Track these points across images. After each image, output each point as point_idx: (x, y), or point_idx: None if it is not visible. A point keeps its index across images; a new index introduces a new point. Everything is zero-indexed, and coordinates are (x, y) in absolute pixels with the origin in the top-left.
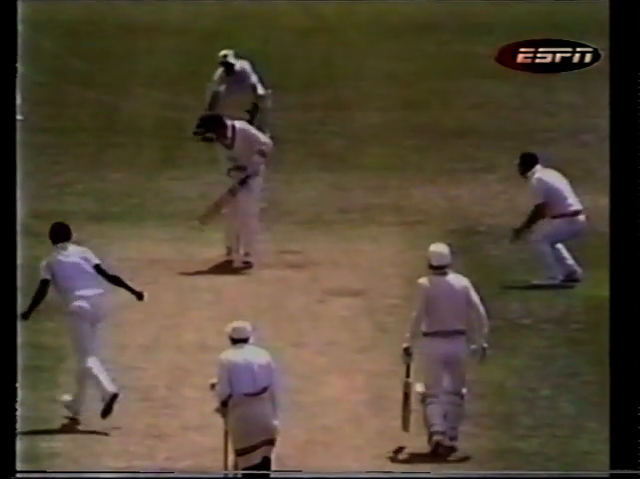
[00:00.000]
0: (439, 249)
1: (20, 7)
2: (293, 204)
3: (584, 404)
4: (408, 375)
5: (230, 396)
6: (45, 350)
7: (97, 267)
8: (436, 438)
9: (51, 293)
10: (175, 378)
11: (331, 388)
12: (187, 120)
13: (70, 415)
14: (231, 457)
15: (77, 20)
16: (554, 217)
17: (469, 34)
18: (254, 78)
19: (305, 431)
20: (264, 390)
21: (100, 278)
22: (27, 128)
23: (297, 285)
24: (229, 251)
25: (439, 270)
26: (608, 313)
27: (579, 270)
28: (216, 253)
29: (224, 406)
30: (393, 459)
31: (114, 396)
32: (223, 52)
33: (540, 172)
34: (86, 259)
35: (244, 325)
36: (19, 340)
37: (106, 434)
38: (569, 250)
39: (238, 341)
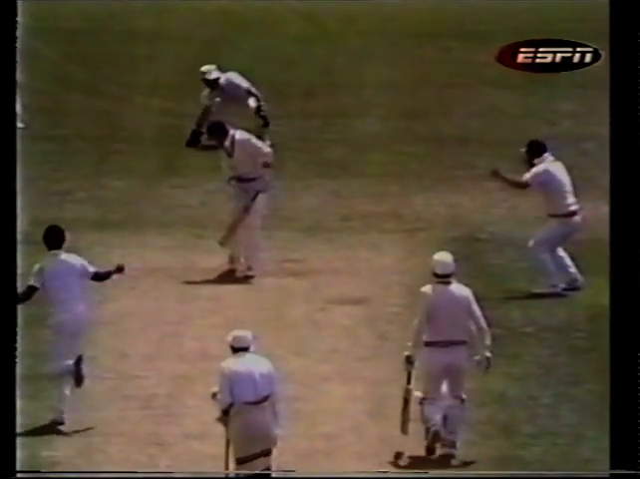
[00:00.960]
0: (443, 258)
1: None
2: (294, 211)
3: (585, 412)
4: (409, 382)
5: (231, 405)
6: (44, 359)
7: (94, 276)
8: (434, 429)
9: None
10: (177, 386)
11: (332, 396)
12: (189, 128)
13: (55, 419)
14: (232, 465)
15: (78, 28)
16: (549, 215)
17: (469, 42)
18: (244, 85)
19: (306, 439)
20: (265, 399)
21: (86, 291)
22: (28, 136)
23: (298, 293)
24: (232, 260)
25: (443, 279)
26: (608, 321)
27: (580, 278)
28: (217, 261)
29: (225, 415)
30: (394, 466)
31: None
32: (202, 69)
33: (548, 164)
34: (77, 269)
35: (245, 334)
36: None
37: (107, 442)
38: (571, 258)
39: (239, 350)
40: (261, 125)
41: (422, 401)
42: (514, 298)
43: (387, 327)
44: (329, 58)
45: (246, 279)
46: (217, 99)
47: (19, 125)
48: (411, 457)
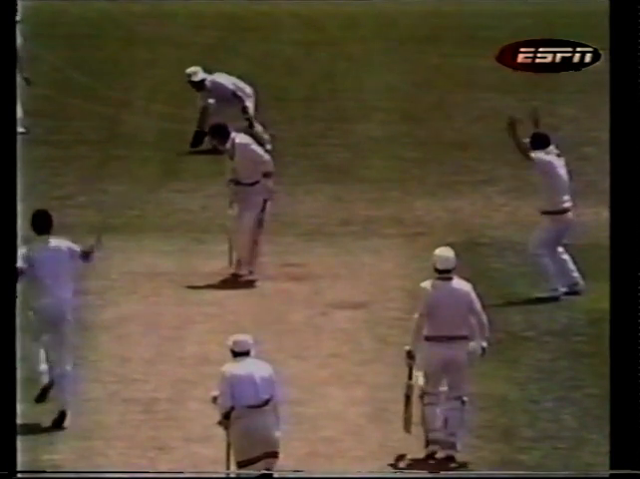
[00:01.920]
0: (444, 253)
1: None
2: (295, 216)
3: (586, 417)
4: (410, 377)
5: (232, 409)
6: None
7: (82, 255)
8: (432, 448)
9: None
10: (178, 390)
11: (332, 400)
12: (189, 132)
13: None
14: (233, 469)
15: (78, 33)
16: (542, 212)
17: (470, 47)
18: (230, 87)
19: (306, 443)
20: (266, 402)
21: (72, 276)
22: (29, 141)
23: (299, 298)
24: (238, 265)
25: (444, 274)
26: (609, 325)
27: (582, 282)
28: (218, 266)
29: (226, 419)
30: (394, 469)
31: (49, 386)
32: (187, 71)
33: (554, 157)
34: (65, 253)
35: (245, 338)
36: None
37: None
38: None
39: (239, 354)
40: (247, 127)
41: (422, 398)
42: (515, 303)
43: (387, 332)
44: (330, 63)
45: (247, 284)
46: (211, 100)
47: (20, 130)
48: (412, 459)
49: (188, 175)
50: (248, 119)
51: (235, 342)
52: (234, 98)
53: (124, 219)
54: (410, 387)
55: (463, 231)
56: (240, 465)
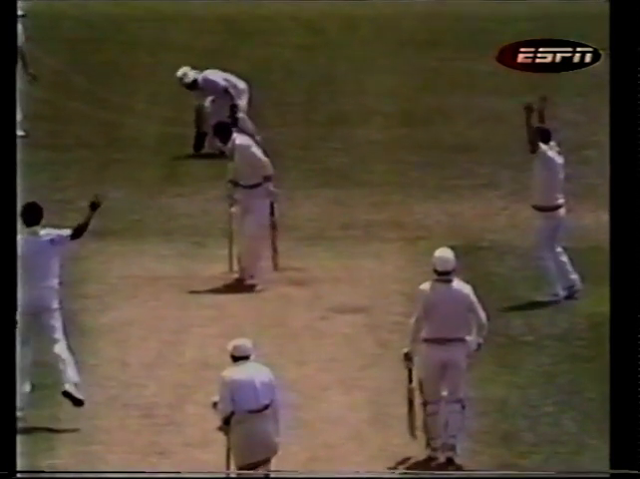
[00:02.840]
0: (444, 254)
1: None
2: (295, 220)
3: (587, 421)
4: (411, 381)
5: (232, 413)
6: (47, 368)
7: (74, 234)
8: (433, 454)
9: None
10: (178, 395)
11: (333, 405)
12: (189, 136)
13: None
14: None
15: (79, 37)
16: (535, 208)
17: (470, 51)
18: (223, 82)
19: (307, 448)
20: (266, 407)
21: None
22: (29, 144)
23: (299, 302)
24: (242, 270)
25: (443, 276)
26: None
27: (579, 285)
28: (218, 270)
29: (226, 424)
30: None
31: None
32: (178, 73)
33: (555, 154)
34: (54, 243)
35: (245, 343)
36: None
37: (108, 450)
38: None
39: (239, 359)
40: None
41: (424, 407)
42: (515, 307)
43: (388, 336)
44: (330, 66)
45: (247, 288)
46: (207, 98)
47: (20, 133)
48: (412, 463)
49: (189, 179)
50: (235, 117)
51: (235, 347)
52: (226, 94)
53: (124, 223)
54: (411, 391)
55: (463, 234)
56: (241, 470)
